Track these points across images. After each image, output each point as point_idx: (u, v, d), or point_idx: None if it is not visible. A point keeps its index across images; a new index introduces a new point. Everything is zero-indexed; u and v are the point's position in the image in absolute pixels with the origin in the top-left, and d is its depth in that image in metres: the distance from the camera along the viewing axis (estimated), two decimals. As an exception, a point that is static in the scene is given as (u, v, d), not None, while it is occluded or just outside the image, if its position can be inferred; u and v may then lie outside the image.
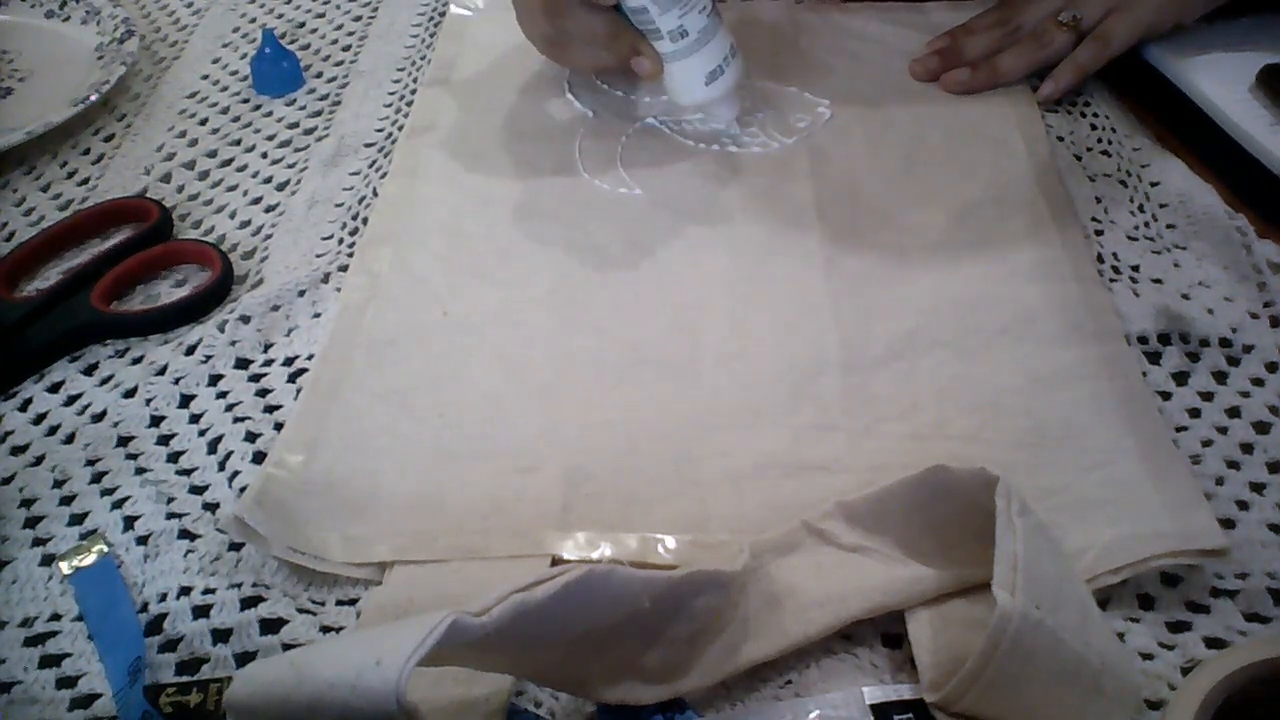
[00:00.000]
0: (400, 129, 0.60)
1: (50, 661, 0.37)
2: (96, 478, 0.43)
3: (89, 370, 0.47)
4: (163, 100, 0.64)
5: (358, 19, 0.70)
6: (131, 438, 0.44)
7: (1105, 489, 0.39)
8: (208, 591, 0.38)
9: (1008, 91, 0.59)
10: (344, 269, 0.51)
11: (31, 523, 0.41)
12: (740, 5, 0.67)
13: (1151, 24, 0.57)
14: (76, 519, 0.41)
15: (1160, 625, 0.36)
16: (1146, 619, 0.36)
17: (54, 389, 0.47)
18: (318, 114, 0.62)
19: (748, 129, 0.58)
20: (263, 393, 0.46)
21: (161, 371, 0.47)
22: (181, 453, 0.44)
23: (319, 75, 0.65)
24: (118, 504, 0.42)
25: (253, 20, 0.70)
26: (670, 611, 0.33)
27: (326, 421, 0.44)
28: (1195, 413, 0.43)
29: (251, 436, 0.44)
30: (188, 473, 0.43)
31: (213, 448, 0.44)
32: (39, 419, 0.45)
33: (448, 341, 0.47)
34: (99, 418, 0.45)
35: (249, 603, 0.38)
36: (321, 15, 0.70)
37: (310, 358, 0.47)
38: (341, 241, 0.53)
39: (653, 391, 0.44)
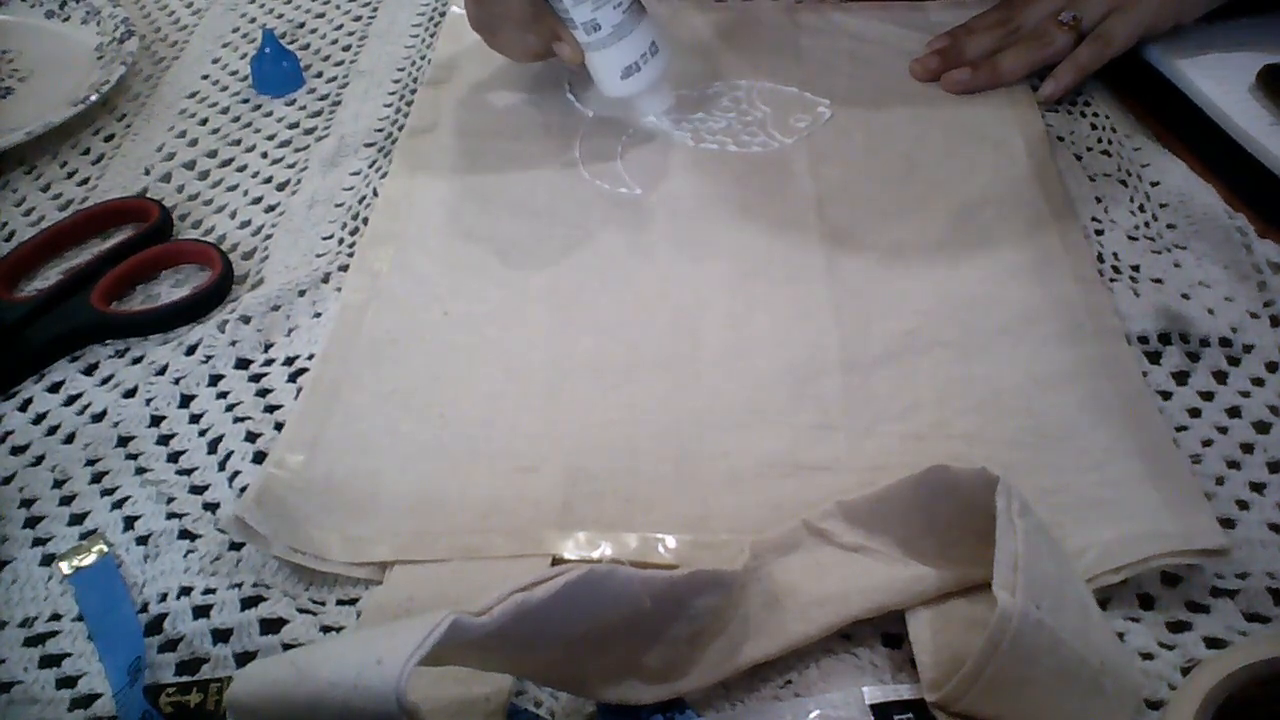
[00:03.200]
0: (400, 129, 0.60)
1: (50, 661, 0.37)
2: (96, 478, 0.43)
3: (89, 370, 0.47)
4: (163, 100, 0.64)
5: (358, 19, 0.70)
6: (131, 438, 0.44)
7: (1105, 489, 0.39)
8: (208, 591, 0.38)
9: (1008, 91, 0.59)
10: (344, 269, 0.51)
11: (31, 523, 0.41)
12: (740, 5, 0.67)
13: (1151, 24, 0.57)
14: (76, 519, 0.41)
15: (1160, 625, 0.36)
16: (1146, 619, 0.36)
17: (54, 389, 0.47)
18: (318, 114, 0.62)
19: (748, 128, 0.58)
20: (263, 393, 0.46)
21: (161, 371, 0.47)
22: (181, 453, 0.44)
23: (319, 75, 0.65)
24: (118, 504, 0.42)
25: (253, 20, 0.70)
26: (670, 611, 0.33)
27: (327, 421, 0.44)
28: (1195, 412, 0.43)
29: (252, 436, 0.44)
30: (188, 473, 0.43)
31: (213, 448, 0.44)
32: (39, 419, 0.45)
33: (448, 341, 0.47)
34: (99, 418, 0.45)
35: (249, 603, 0.38)
36: (321, 15, 0.70)
37: (311, 358, 0.47)
38: (342, 241, 0.53)
39: (653, 391, 0.44)
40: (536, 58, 0.57)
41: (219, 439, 0.44)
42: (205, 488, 0.42)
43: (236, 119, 0.62)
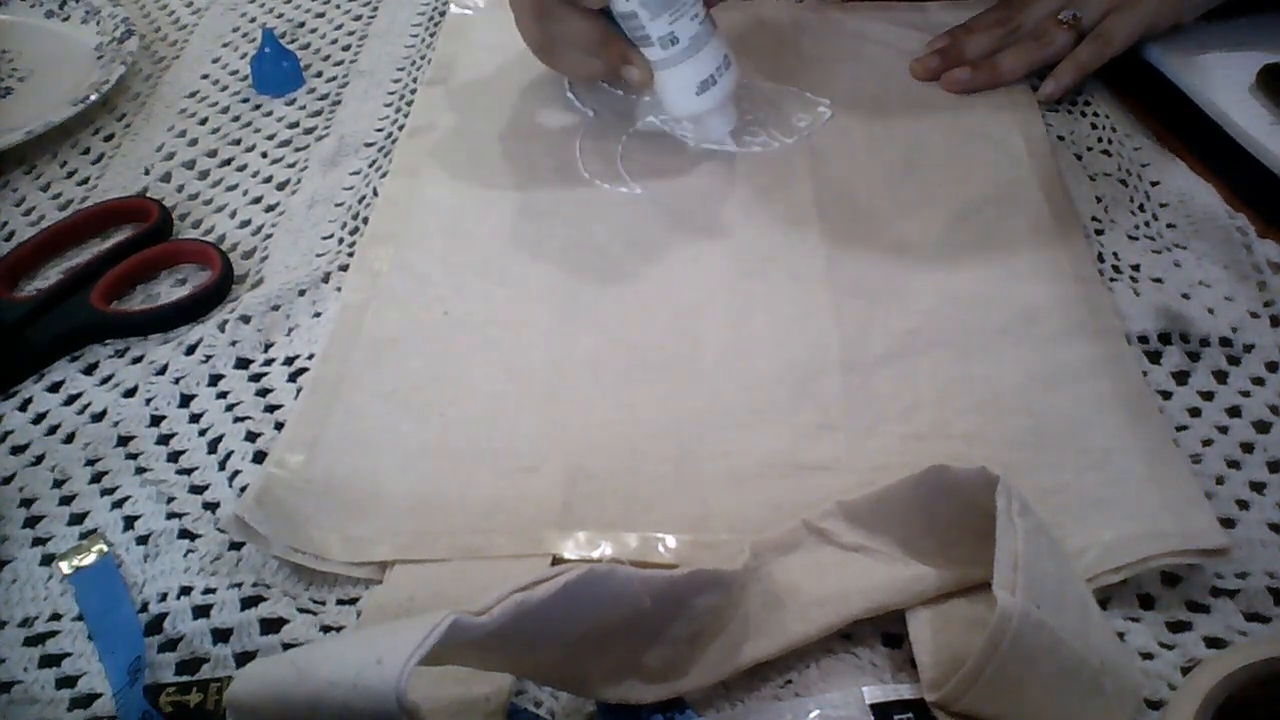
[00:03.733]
0: (400, 129, 0.60)
1: (50, 661, 0.37)
2: (96, 477, 0.43)
3: (89, 370, 0.47)
4: (163, 100, 0.64)
5: (358, 19, 0.70)
6: (131, 437, 0.44)
7: (1105, 489, 0.39)
8: (208, 591, 0.38)
9: (1008, 91, 0.59)
10: (344, 268, 0.51)
11: (31, 522, 0.41)
12: (741, 5, 0.67)
13: (1152, 23, 0.57)
14: (76, 519, 0.41)
15: (1160, 625, 0.36)
16: (1146, 619, 0.36)
17: (54, 389, 0.47)
18: (318, 114, 0.62)
19: (749, 128, 0.57)
20: (263, 392, 0.46)
21: (161, 371, 0.47)
22: (181, 452, 0.44)
23: (319, 75, 0.65)
24: (118, 504, 0.42)
25: (253, 20, 0.70)
26: (670, 611, 0.33)
27: (327, 421, 0.44)
28: (1196, 412, 0.43)
29: (252, 436, 0.44)
30: (188, 472, 0.43)
31: (213, 447, 0.44)
32: (39, 419, 0.45)
33: (448, 341, 0.47)
34: (99, 417, 0.45)
35: (249, 602, 0.38)
36: (321, 15, 0.70)
37: (311, 357, 0.47)
38: (342, 241, 0.53)
39: (653, 391, 0.44)
40: (595, 79, 0.57)
41: (219, 439, 0.44)
42: (205, 487, 0.42)
43: (236, 119, 0.62)
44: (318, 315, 0.49)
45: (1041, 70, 0.59)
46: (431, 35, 0.67)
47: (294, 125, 0.61)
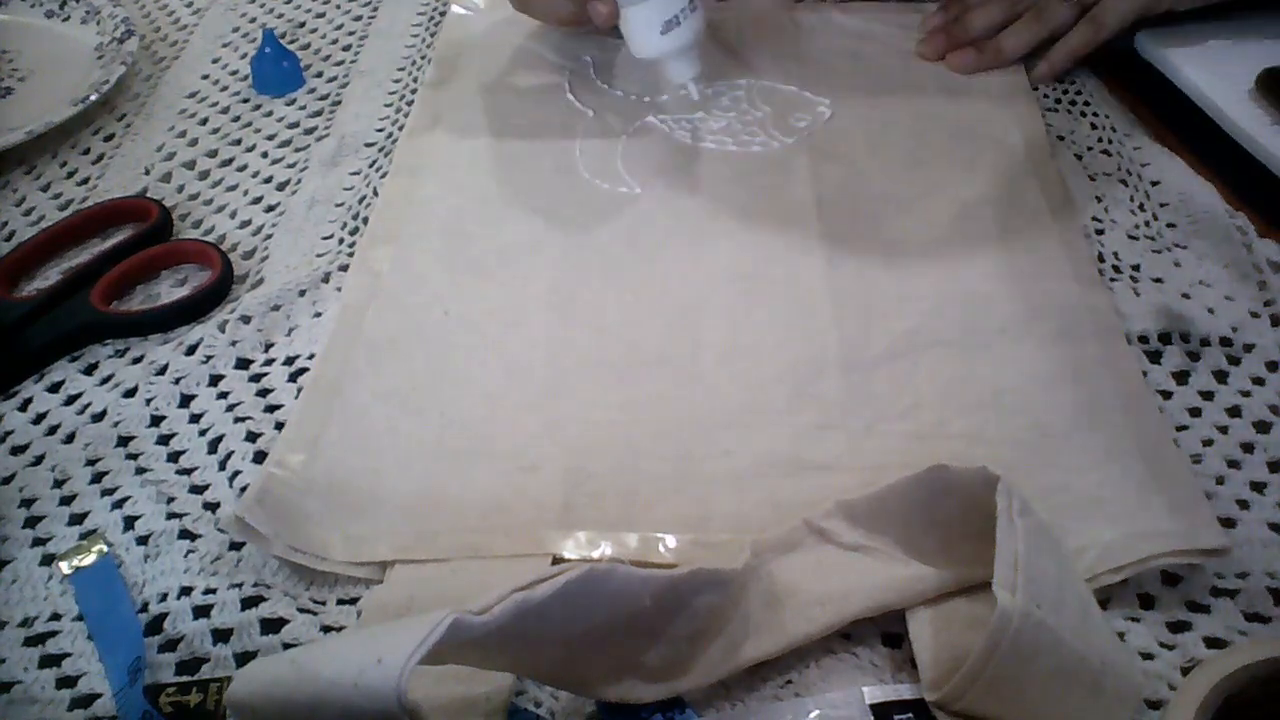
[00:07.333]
0: (400, 129, 0.60)
1: (50, 661, 0.37)
2: (96, 478, 0.43)
3: (89, 370, 0.47)
4: (163, 100, 0.64)
5: (358, 19, 0.70)
6: (131, 437, 0.44)
7: (1105, 488, 0.39)
8: (208, 591, 0.38)
9: (1008, 89, 0.59)
10: (344, 269, 0.51)
11: (31, 522, 0.41)
12: (741, 5, 0.67)
13: (1145, 7, 0.57)
14: (76, 519, 0.41)
15: (1160, 625, 0.36)
16: (1146, 619, 0.36)
17: (54, 389, 0.47)
18: (318, 114, 0.62)
19: (748, 128, 0.58)
20: (263, 392, 0.46)
21: (162, 371, 0.47)
22: (182, 452, 0.44)
23: (319, 75, 0.65)
24: (118, 504, 0.42)
25: (253, 20, 0.70)
26: (671, 610, 0.33)
27: (327, 421, 0.44)
28: (1196, 412, 0.43)
29: (252, 436, 0.44)
30: (188, 472, 0.43)
31: (213, 447, 0.44)
32: (39, 419, 0.45)
33: (448, 341, 0.47)
34: (99, 417, 0.45)
35: (250, 602, 0.38)
36: (321, 15, 0.70)
37: (311, 357, 0.47)
38: (342, 241, 0.53)
39: (653, 390, 0.44)
40: (565, 22, 0.57)
41: (219, 439, 0.44)
42: (205, 487, 0.42)
43: (236, 119, 0.62)
44: (318, 315, 0.49)
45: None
46: (431, 35, 0.67)
47: (294, 125, 0.61)
